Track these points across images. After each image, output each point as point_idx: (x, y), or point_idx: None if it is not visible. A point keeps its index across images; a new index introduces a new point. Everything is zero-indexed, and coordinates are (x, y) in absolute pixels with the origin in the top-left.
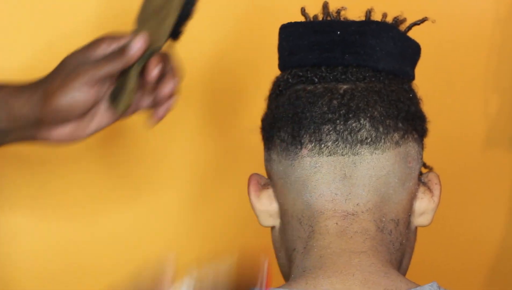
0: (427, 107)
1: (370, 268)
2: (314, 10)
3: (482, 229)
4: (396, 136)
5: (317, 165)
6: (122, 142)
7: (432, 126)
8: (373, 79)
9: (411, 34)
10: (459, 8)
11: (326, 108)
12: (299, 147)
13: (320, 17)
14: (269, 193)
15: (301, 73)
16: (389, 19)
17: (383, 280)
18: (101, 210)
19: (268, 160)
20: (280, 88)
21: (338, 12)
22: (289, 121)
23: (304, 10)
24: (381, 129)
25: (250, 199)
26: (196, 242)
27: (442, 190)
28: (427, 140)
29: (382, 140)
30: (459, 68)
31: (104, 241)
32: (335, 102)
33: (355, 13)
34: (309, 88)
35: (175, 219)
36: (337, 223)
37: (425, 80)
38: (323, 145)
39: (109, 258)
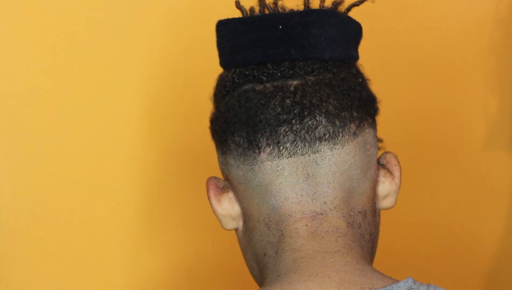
0: (428, 107)
1: (346, 267)
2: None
3: (482, 229)
4: (353, 126)
5: (278, 168)
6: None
7: (432, 127)
8: (322, 70)
9: (410, 33)
10: (459, 8)
11: (279, 109)
12: (257, 151)
13: (257, 10)
14: (229, 196)
15: (247, 72)
16: (328, 3)
17: (359, 279)
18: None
19: (224, 164)
20: (226, 89)
21: (275, 3)
22: (242, 125)
23: (239, 3)
24: (337, 123)
25: (211, 204)
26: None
27: (442, 190)
28: (427, 140)
29: (340, 134)
30: (459, 68)
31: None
32: (288, 101)
33: (291, 2)
34: (258, 88)
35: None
36: (306, 225)
37: (425, 80)
38: (281, 147)
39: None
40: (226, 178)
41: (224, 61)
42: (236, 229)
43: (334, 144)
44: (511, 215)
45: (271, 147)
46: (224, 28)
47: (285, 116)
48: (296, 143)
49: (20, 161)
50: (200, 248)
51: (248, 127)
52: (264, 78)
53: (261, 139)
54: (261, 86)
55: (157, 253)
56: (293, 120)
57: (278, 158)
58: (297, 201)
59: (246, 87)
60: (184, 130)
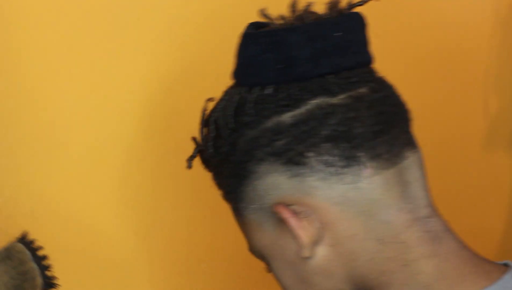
0: (427, 107)
1: (474, 261)
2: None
3: (482, 229)
4: (410, 129)
5: (386, 181)
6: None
7: (433, 127)
8: (374, 76)
9: (410, 33)
10: (460, 8)
11: (371, 121)
12: (359, 167)
13: (290, 16)
14: (311, 221)
15: (309, 85)
16: (343, 4)
17: (489, 269)
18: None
19: (296, 189)
20: (283, 105)
21: (307, 7)
22: (332, 142)
23: (265, 11)
24: (409, 126)
25: (296, 234)
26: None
27: (442, 189)
28: (427, 140)
29: (411, 136)
30: (459, 68)
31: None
32: (373, 112)
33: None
34: (332, 101)
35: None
36: (426, 231)
37: (425, 80)
38: (382, 160)
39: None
40: (297, 203)
41: (268, 77)
42: (306, 258)
43: (413, 147)
44: (511, 215)
45: (374, 161)
46: (270, 41)
47: (378, 127)
48: (392, 152)
49: (20, 161)
50: (200, 248)
51: (342, 143)
52: (335, 90)
53: (360, 154)
54: (337, 99)
55: (157, 253)
56: (385, 130)
57: (383, 170)
58: (409, 210)
59: (316, 101)
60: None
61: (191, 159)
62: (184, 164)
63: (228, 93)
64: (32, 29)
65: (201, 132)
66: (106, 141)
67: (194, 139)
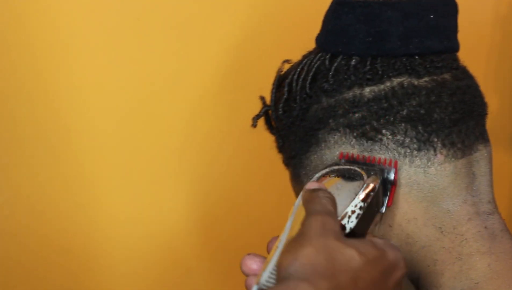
0: None
1: None
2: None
3: None
4: (485, 124)
5: (455, 170)
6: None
7: None
8: (459, 63)
9: None
10: (459, 8)
11: (451, 108)
12: (432, 153)
13: None
14: None
15: (396, 64)
16: None
17: None
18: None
19: None
20: (366, 78)
21: None
22: (410, 123)
23: None
24: (484, 119)
25: None
26: (198, 240)
27: None
28: None
29: (485, 130)
30: None
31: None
32: (455, 99)
33: None
34: (416, 82)
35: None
36: (486, 227)
37: None
38: (455, 148)
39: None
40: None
41: (357, 47)
42: None
43: (486, 141)
44: (511, 215)
45: (447, 148)
46: (366, 12)
47: (457, 116)
48: (465, 143)
49: (20, 161)
50: (200, 248)
51: (419, 126)
52: (421, 72)
53: (435, 139)
54: (421, 81)
55: (157, 253)
56: (462, 120)
57: (455, 159)
58: (472, 203)
59: (400, 80)
60: (184, 129)
61: (257, 118)
62: (184, 164)
63: (308, 58)
64: (31, 29)
65: (272, 92)
66: (106, 140)
67: (262, 98)
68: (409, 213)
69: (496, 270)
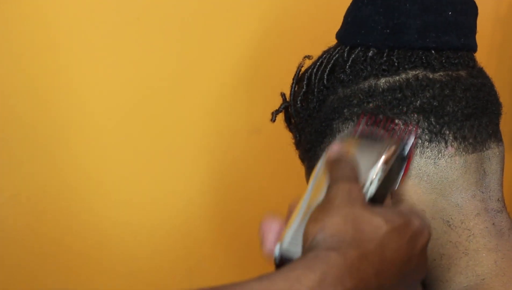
0: None
1: None
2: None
3: None
4: (499, 124)
5: (466, 164)
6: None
7: None
8: (475, 62)
9: None
10: None
11: (464, 102)
12: (443, 145)
13: None
14: None
15: (413, 57)
16: None
17: None
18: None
19: None
20: (382, 69)
21: None
22: (422, 114)
23: None
24: (499, 119)
25: None
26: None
27: None
28: None
29: (499, 131)
30: None
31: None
32: (469, 94)
33: None
34: (432, 76)
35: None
36: (494, 224)
37: None
38: (467, 142)
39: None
40: None
41: (375, 39)
42: None
43: (499, 141)
44: (511, 215)
45: (458, 141)
46: (386, 4)
47: (470, 110)
48: (477, 138)
49: (20, 161)
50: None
51: (432, 118)
52: (436, 66)
53: (447, 132)
54: (436, 75)
55: (157, 254)
56: (475, 115)
57: (466, 153)
58: (481, 199)
59: (416, 73)
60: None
61: (276, 113)
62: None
63: (327, 52)
64: (31, 29)
65: (292, 87)
66: (106, 140)
67: (283, 95)
68: (417, 204)
69: (503, 267)
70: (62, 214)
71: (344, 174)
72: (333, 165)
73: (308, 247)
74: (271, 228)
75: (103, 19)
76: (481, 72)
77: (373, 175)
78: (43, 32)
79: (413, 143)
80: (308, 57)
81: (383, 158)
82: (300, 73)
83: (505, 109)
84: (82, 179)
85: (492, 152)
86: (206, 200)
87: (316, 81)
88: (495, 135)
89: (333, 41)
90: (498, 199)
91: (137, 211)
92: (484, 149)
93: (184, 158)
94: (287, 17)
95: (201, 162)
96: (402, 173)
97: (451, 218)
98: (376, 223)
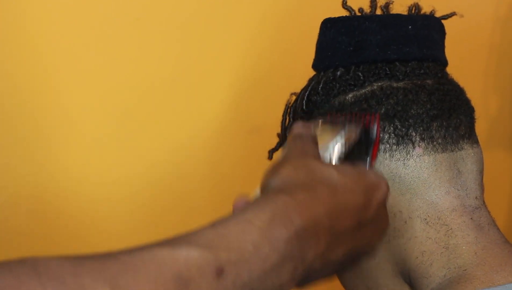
0: None
1: None
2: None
3: None
4: (474, 128)
5: (435, 163)
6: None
7: None
8: (443, 72)
9: None
10: (459, 8)
11: (429, 105)
12: (410, 146)
13: (368, 11)
14: None
15: (377, 70)
16: (426, 10)
17: None
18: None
19: None
20: (350, 85)
21: (387, 5)
22: (387, 120)
23: (346, 3)
24: (472, 122)
25: None
26: None
27: None
28: None
29: (474, 133)
30: (459, 68)
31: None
32: (434, 98)
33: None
34: (396, 84)
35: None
36: (472, 218)
37: None
38: (435, 142)
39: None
40: None
41: (341, 58)
42: None
43: (473, 143)
44: (511, 215)
45: (426, 141)
46: (346, 25)
47: (435, 112)
48: (446, 139)
49: (20, 161)
50: None
51: (396, 122)
52: (400, 76)
53: (413, 134)
54: (401, 83)
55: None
56: (442, 116)
57: (434, 152)
58: (457, 195)
59: (381, 84)
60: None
61: (272, 151)
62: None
63: (307, 81)
64: (30, 29)
65: (282, 123)
66: (106, 140)
67: (278, 135)
68: (394, 206)
69: (483, 258)
70: (62, 214)
71: (300, 136)
72: (295, 137)
73: (262, 193)
74: (242, 206)
75: (102, 20)
76: (451, 81)
77: (331, 149)
78: (42, 32)
79: (377, 127)
80: (294, 94)
81: (341, 133)
82: (288, 108)
83: (505, 109)
84: (82, 179)
85: (465, 153)
86: (206, 200)
87: (299, 110)
88: (468, 137)
89: None
90: (476, 197)
91: (137, 211)
92: (457, 149)
93: (184, 158)
94: (288, 17)
95: (201, 162)
96: (370, 155)
97: (428, 216)
98: (328, 171)
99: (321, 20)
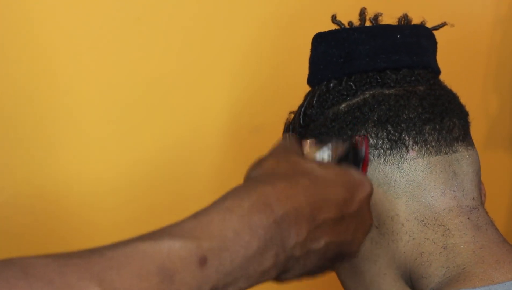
0: None
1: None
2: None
3: None
4: (468, 131)
5: (430, 166)
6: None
7: None
8: (435, 79)
9: None
10: (459, 8)
11: (421, 109)
12: (404, 150)
13: (358, 24)
14: None
15: (368, 79)
16: (417, 21)
17: None
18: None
19: None
20: (343, 95)
21: (376, 17)
22: (380, 126)
23: (335, 17)
24: (466, 125)
25: None
26: None
27: None
28: None
29: (469, 136)
30: (459, 68)
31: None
32: (425, 103)
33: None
34: (388, 91)
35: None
36: (469, 218)
37: None
38: (428, 145)
39: None
40: None
41: (333, 70)
42: None
43: (467, 145)
44: (511, 215)
45: (419, 145)
46: (336, 37)
47: (427, 116)
48: (440, 142)
49: (20, 161)
50: None
51: (389, 127)
52: (392, 84)
53: (407, 138)
54: (392, 90)
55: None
56: (435, 120)
57: (428, 155)
58: (453, 197)
59: (372, 92)
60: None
61: None
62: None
63: (303, 98)
64: (31, 29)
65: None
66: (107, 140)
67: None
68: (391, 210)
69: (481, 256)
70: (62, 214)
71: (289, 141)
72: (281, 140)
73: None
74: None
75: (103, 20)
76: (443, 87)
77: (318, 158)
78: (43, 32)
79: (365, 147)
80: (293, 112)
81: (329, 145)
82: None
83: (505, 110)
84: (82, 179)
85: (460, 155)
86: (207, 199)
87: (297, 126)
88: (463, 140)
89: None
90: (473, 198)
91: (138, 210)
92: (451, 152)
93: (184, 158)
94: (288, 17)
95: (203, 161)
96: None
97: (425, 217)
98: (310, 165)
99: (324, 20)
